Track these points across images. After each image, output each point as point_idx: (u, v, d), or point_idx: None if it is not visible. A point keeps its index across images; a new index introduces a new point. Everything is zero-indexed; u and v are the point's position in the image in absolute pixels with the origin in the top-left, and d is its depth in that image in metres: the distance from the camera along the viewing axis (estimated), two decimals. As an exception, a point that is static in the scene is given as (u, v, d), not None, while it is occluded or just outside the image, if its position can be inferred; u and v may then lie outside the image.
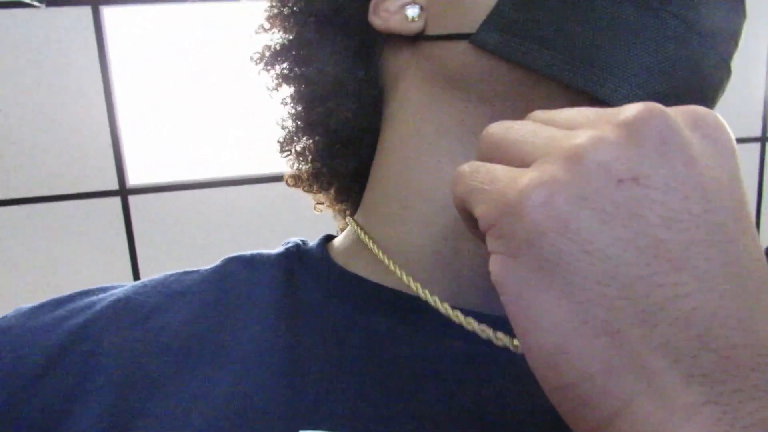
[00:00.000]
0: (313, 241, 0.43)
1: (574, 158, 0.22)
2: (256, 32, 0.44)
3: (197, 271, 0.41)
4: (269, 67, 0.44)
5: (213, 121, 2.02)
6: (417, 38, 0.39)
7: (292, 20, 0.43)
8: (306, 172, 0.46)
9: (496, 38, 0.34)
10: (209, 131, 2.03)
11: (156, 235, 2.08)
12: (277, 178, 2.06)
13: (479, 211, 0.24)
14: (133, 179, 2.02)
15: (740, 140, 2.35)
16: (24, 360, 0.34)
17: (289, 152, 0.46)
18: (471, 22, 0.35)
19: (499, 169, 0.24)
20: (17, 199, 1.95)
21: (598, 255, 0.21)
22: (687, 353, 0.20)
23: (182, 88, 1.97)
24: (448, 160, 0.37)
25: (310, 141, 0.45)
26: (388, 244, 0.39)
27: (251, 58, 0.45)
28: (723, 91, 0.36)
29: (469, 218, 0.26)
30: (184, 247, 2.09)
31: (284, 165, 0.47)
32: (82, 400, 0.33)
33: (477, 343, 0.33)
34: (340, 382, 0.33)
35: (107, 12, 1.83)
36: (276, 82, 0.44)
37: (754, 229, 0.23)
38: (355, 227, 0.41)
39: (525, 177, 0.22)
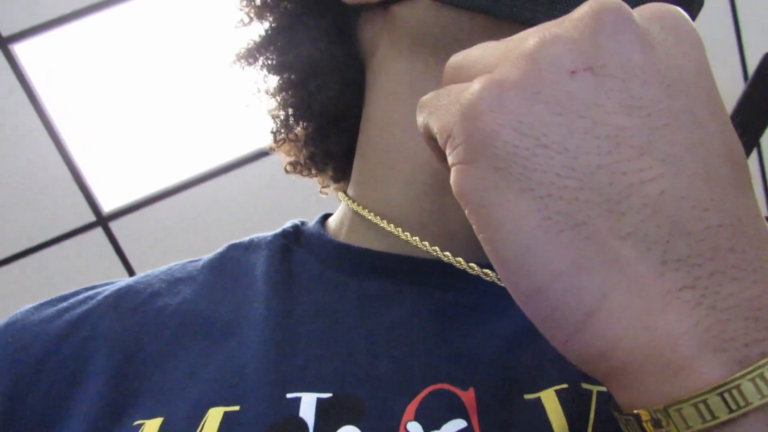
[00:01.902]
0: (311, 221, 0.45)
1: (526, 57, 0.21)
2: (236, 26, 0.45)
3: (200, 259, 0.42)
4: (252, 61, 0.45)
5: (166, 122, 1.95)
6: (384, 4, 0.39)
7: (266, 10, 0.43)
8: (302, 157, 0.48)
9: None
10: (165, 133, 1.96)
11: (151, 254, 2.04)
12: (254, 158, 2.00)
13: (437, 126, 0.23)
14: (107, 206, 1.97)
15: None
16: (27, 348, 0.36)
17: (283, 141, 0.47)
18: None
19: (455, 86, 0.24)
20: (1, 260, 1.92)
21: (555, 147, 0.20)
22: (659, 239, 0.19)
23: (122, 98, 1.89)
24: None
25: (300, 126, 0.46)
26: (379, 207, 0.40)
27: (235, 56, 0.45)
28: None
29: (435, 146, 0.26)
30: (184, 256, 2.05)
31: (253, 142, 0.47)
32: (82, 382, 0.34)
33: (465, 294, 0.35)
34: (330, 347, 0.34)
35: (18, 48, 1.73)
36: (262, 74, 0.45)
37: (727, 117, 0.22)
38: (345, 198, 0.42)
39: (477, 83, 0.22)
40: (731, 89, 2.02)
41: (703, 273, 0.19)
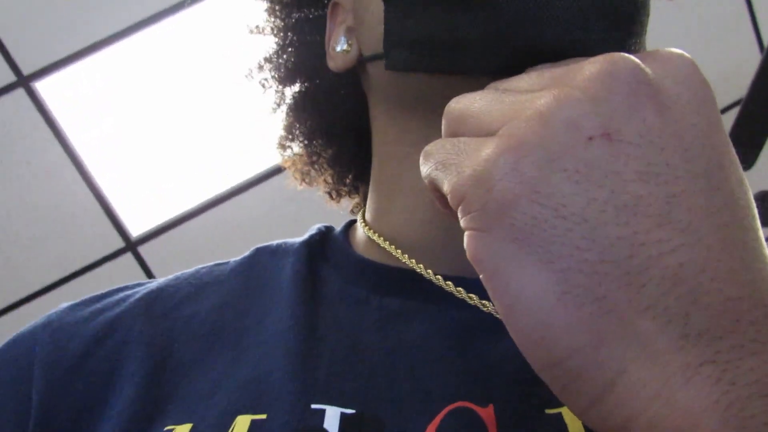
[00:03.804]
0: (338, 228, 0.46)
1: (540, 119, 0.21)
2: (273, 111, 0.50)
3: (227, 263, 0.43)
4: (291, 138, 0.49)
5: (185, 144, 1.98)
6: (362, 64, 0.40)
7: (290, 79, 0.47)
8: (357, 197, 0.52)
9: (403, 55, 0.33)
10: (186, 155, 1.99)
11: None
12: (273, 173, 2.02)
13: (447, 187, 0.23)
14: (134, 231, 2.00)
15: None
16: (62, 350, 0.36)
17: (339, 196, 0.52)
18: (377, 39, 0.35)
19: (463, 141, 0.23)
20: (34, 293, 1.96)
21: (574, 219, 0.20)
22: (679, 312, 0.19)
23: (141, 124, 1.93)
24: (415, 151, 0.38)
25: (347, 179, 0.50)
26: (388, 232, 0.41)
27: (278, 142, 0.50)
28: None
29: (440, 197, 0.25)
30: (211, 273, 2.08)
31: (270, 157, 0.53)
32: (116, 386, 0.35)
33: (483, 311, 0.34)
34: (351, 364, 0.34)
35: (40, 86, 1.77)
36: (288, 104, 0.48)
37: (741, 174, 0.22)
38: (362, 224, 0.43)
39: (490, 144, 0.21)
40: (747, 68, 1.99)
41: (723, 347, 0.19)
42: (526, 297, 0.20)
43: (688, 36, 2.19)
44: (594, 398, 0.20)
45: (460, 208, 0.22)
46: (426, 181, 0.25)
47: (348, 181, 0.50)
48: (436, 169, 0.24)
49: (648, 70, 0.21)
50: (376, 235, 0.41)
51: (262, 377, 0.34)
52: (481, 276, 0.22)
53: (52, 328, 0.38)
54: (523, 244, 0.20)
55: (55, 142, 1.82)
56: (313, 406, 0.32)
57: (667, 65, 0.22)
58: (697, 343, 0.19)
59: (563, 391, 0.21)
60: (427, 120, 0.36)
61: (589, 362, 0.20)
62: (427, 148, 0.25)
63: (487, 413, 0.31)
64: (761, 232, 0.21)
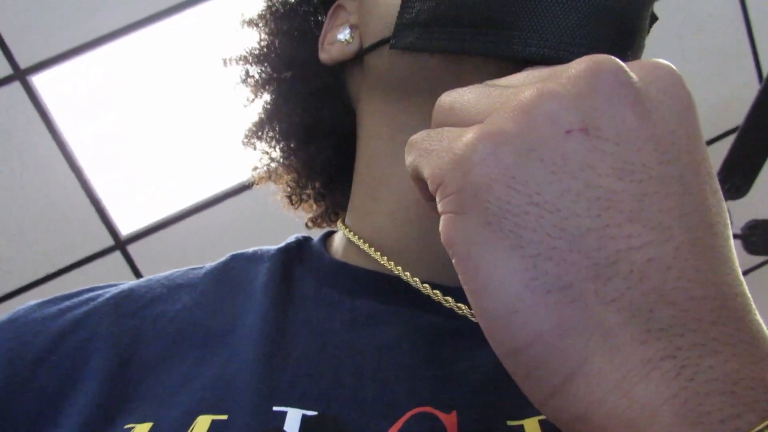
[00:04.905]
0: (316, 238, 0.47)
1: (522, 111, 0.21)
2: (244, 106, 0.50)
3: (202, 267, 0.43)
4: (260, 135, 0.49)
5: (180, 145, 1.97)
6: (359, 57, 0.41)
7: (261, 86, 0.48)
8: (319, 211, 0.52)
9: (411, 36, 0.36)
10: (180, 156, 1.98)
11: (168, 274, 2.05)
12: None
13: (427, 171, 0.23)
14: (124, 230, 1.99)
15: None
16: (25, 346, 0.36)
17: (299, 202, 0.52)
18: (388, 26, 0.37)
19: (447, 130, 0.24)
20: (20, 288, 1.94)
21: (547, 207, 0.20)
22: (643, 307, 0.19)
23: (136, 123, 1.91)
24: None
25: (310, 186, 0.50)
26: (369, 235, 0.41)
27: (244, 137, 0.50)
28: (645, 32, 0.35)
29: (422, 187, 0.26)
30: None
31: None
32: (78, 382, 0.35)
33: (455, 318, 0.35)
34: (318, 366, 0.34)
35: (36, 80, 1.76)
36: (270, 146, 0.50)
37: (716, 184, 0.22)
38: (342, 227, 0.44)
39: (471, 132, 0.22)
40: (745, 96, 2.00)
41: (685, 344, 0.19)
42: (494, 281, 0.20)
43: (688, 63, 2.21)
44: (555, 388, 0.20)
45: (438, 192, 0.22)
46: (409, 169, 0.26)
47: (315, 187, 0.50)
48: (419, 156, 0.24)
49: (632, 74, 0.22)
50: (356, 237, 0.41)
51: (228, 378, 0.34)
52: (453, 260, 0.22)
53: (17, 323, 0.38)
54: (496, 228, 0.21)
55: (49, 137, 1.81)
56: (275, 408, 0.32)
57: (651, 73, 0.22)
58: (659, 339, 0.19)
59: (525, 380, 0.21)
60: (423, 114, 0.37)
61: (552, 350, 0.20)
62: (412, 138, 0.26)
63: (449, 420, 0.31)
64: (731, 240, 0.22)
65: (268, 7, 0.49)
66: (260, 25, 0.49)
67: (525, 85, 0.23)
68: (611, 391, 0.19)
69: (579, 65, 0.22)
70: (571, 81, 0.21)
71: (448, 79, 0.36)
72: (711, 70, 2.23)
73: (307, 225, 0.53)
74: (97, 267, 1.99)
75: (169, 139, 1.96)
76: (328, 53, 0.43)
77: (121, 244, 2.00)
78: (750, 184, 1.84)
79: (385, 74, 0.40)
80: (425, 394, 0.32)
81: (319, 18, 0.47)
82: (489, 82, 0.26)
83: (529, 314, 0.20)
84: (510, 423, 0.31)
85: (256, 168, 0.52)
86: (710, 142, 2.31)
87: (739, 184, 1.81)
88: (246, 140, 0.50)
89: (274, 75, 0.47)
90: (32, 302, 0.40)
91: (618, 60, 0.22)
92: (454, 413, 0.31)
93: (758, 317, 0.20)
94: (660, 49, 2.10)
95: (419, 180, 0.25)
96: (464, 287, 0.22)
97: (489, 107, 0.23)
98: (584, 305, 0.20)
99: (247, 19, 0.49)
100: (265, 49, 0.48)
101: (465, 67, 0.36)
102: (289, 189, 0.51)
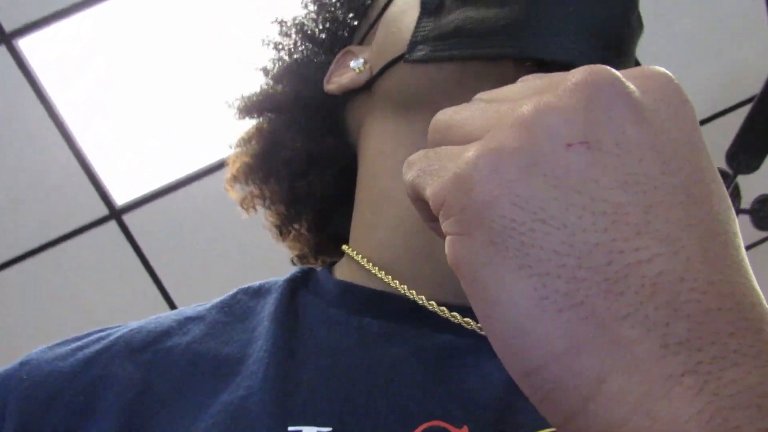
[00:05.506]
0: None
1: (522, 126, 0.21)
2: (236, 146, 0.53)
3: (210, 302, 0.44)
4: (254, 178, 0.52)
5: (177, 110, 1.92)
6: (368, 84, 0.45)
7: (264, 111, 0.51)
8: (309, 247, 0.53)
9: (425, 49, 0.39)
10: (177, 122, 1.93)
11: (167, 246, 2.03)
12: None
13: (429, 191, 0.23)
14: (119, 200, 1.95)
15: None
16: (38, 386, 0.37)
17: (288, 233, 0.53)
18: (401, 45, 0.41)
19: (446, 149, 0.24)
20: (14, 258, 1.92)
21: (553, 223, 0.20)
22: (658, 321, 0.19)
23: (130, 89, 1.86)
24: None
25: (303, 219, 0.51)
26: (371, 252, 0.43)
27: (232, 178, 0.54)
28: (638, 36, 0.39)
29: (423, 207, 0.26)
30: (200, 246, 2.05)
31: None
32: (91, 420, 0.35)
33: (464, 335, 0.36)
34: (330, 385, 0.35)
35: (23, 43, 1.70)
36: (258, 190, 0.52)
37: (723, 190, 0.22)
38: (345, 248, 0.45)
39: (471, 149, 0.22)
40: (762, 63, 1.93)
41: (705, 357, 0.18)
42: (504, 302, 0.20)
43: (702, 30, 2.13)
44: (574, 409, 0.20)
45: (441, 212, 0.22)
46: (409, 189, 0.25)
47: (307, 220, 0.51)
48: (419, 176, 0.24)
49: (629, 83, 0.22)
50: (360, 256, 0.43)
51: (241, 403, 0.34)
52: (461, 282, 0.22)
53: (30, 365, 0.39)
54: (502, 248, 0.20)
55: (37, 102, 1.76)
56: (291, 428, 0.33)
57: (647, 81, 0.22)
58: (678, 353, 0.18)
59: (543, 402, 0.20)
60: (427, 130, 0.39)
61: (569, 370, 0.19)
62: (410, 158, 0.26)
63: None
64: (743, 249, 0.21)
65: (286, 36, 0.52)
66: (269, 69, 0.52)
67: (521, 98, 0.23)
68: (633, 410, 0.18)
69: (575, 76, 0.22)
70: (569, 93, 0.21)
71: (455, 89, 0.39)
72: (725, 38, 2.16)
73: (292, 261, 0.54)
74: (93, 237, 1.97)
75: (165, 106, 1.91)
76: (337, 83, 0.46)
77: (116, 214, 1.96)
78: (762, 158, 1.78)
79: (394, 92, 0.43)
80: (437, 409, 0.33)
81: (323, 57, 0.51)
82: (483, 96, 0.26)
83: (541, 334, 0.20)
84: None
85: (244, 199, 0.54)
86: (723, 113, 2.25)
87: (750, 159, 1.76)
88: (238, 178, 0.53)
89: (275, 108, 0.50)
90: (43, 346, 0.41)
91: (614, 70, 0.22)
92: (465, 428, 0.32)
93: None
94: (674, 17, 2.02)
95: (419, 201, 0.25)
96: (474, 310, 0.21)
97: (487, 124, 0.23)
98: (598, 322, 0.19)
99: (264, 39, 0.52)
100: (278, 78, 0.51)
101: (468, 75, 0.39)
102: (277, 219, 0.53)
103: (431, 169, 0.23)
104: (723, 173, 1.98)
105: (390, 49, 0.42)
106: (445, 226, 0.22)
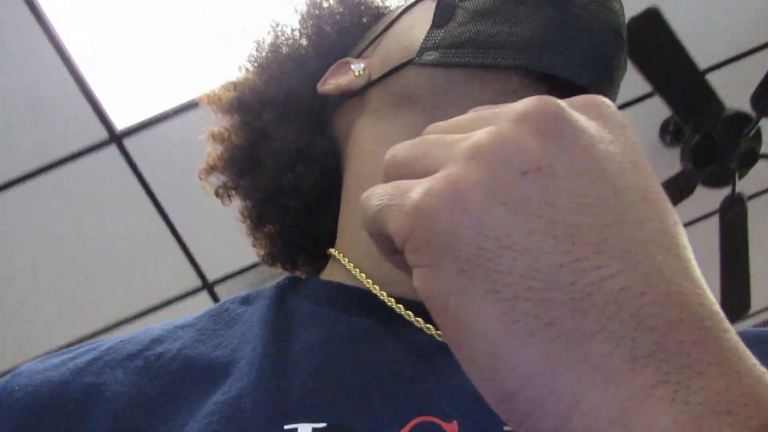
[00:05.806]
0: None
1: (477, 156, 0.22)
2: (212, 142, 0.56)
3: (198, 313, 0.45)
4: (232, 173, 0.54)
5: (181, 33, 1.83)
6: (361, 90, 0.48)
7: (250, 108, 0.53)
8: (279, 247, 0.53)
9: (435, 54, 0.43)
10: (182, 44, 1.85)
11: (168, 171, 1.98)
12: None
13: (392, 227, 0.23)
14: (120, 124, 1.89)
15: None
16: (31, 395, 0.37)
17: (259, 235, 0.53)
18: (410, 52, 0.44)
19: (404, 183, 0.24)
20: (11, 181, 1.88)
21: (518, 248, 0.21)
22: (625, 336, 0.19)
23: (131, 8, 1.76)
24: None
25: (278, 220, 0.52)
26: (354, 253, 0.45)
27: (218, 190, 0.55)
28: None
29: (382, 242, 0.26)
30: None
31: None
32: (85, 425, 0.36)
33: None
34: (323, 381, 0.36)
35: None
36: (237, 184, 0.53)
37: (668, 204, 0.23)
38: (332, 251, 0.47)
39: (431, 182, 0.22)
40: None
41: (672, 368, 0.19)
42: (475, 329, 0.21)
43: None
44: (553, 430, 0.20)
45: (406, 246, 0.22)
46: (368, 225, 0.26)
47: (281, 218, 0.51)
48: (380, 212, 0.24)
49: (573, 112, 0.23)
50: (345, 258, 0.44)
51: (235, 403, 0.35)
52: (432, 314, 0.22)
53: (21, 377, 0.39)
54: (470, 276, 0.21)
55: (33, 19, 1.67)
56: (286, 426, 0.33)
57: (590, 109, 0.24)
58: (647, 365, 0.19)
59: (521, 426, 0.21)
60: (424, 123, 0.40)
61: (544, 392, 0.20)
62: (366, 193, 0.26)
63: (451, 428, 0.33)
64: (693, 259, 0.22)
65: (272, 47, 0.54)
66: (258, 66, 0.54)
67: (474, 130, 0.24)
68: (611, 425, 0.19)
69: (523, 105, 0.23)
70: (517, 122, 0.22)
71: (457, 96, 0.42)
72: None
73: (264, 260, 0.54)
74: (92, 161, 1.93)
75: (168, 27, 1.82)
76: (334, 84, 0.49)
77: (116, 138, 1.91)
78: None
79: (396, 93, 0.45)
80: (427, 404, 0.34)
81: (314, 62, 0.53)
82: (434, 128, 0.27)
83: (515, 359, 0.20)
84: (507, 429, 0.33)
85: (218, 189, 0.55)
86: (750, 52, 2.16)
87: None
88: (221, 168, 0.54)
89: (268, 103, 0.51)
90: (34, 360, 0.42)
91: (559, 100, 0.23)
92: (455, 422, 0.33)
93: (733, 332, 0.20)
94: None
95: (378, 236, 0.25)
96: (446, 339, 0.22)
97: (443, 156, 0.23)
98: (568, 341, 0.20)
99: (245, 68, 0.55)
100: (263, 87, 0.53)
101: (475, 83, 0.42)
102: (267, 246, 0.54)
103: (392, 203, 0.24)
104: (745, 116, 1.92)
105: (397, 56, 0.45)
106: (411, 259, 0.22)
